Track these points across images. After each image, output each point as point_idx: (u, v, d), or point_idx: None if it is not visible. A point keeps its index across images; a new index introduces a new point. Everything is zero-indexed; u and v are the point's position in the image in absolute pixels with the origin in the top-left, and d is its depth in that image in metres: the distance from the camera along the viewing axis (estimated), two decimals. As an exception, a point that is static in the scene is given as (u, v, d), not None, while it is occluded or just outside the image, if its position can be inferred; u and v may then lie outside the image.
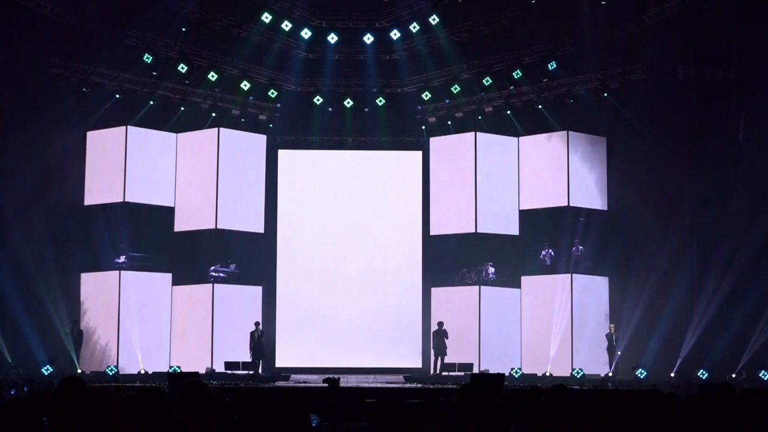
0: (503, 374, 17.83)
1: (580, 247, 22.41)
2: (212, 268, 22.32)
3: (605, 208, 22.68)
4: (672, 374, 20.25)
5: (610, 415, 4.26)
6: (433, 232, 23.31)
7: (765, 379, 19.79)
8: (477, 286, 22.42)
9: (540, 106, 23.20)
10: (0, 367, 19.62)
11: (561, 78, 22.79)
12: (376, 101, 24.05)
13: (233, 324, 21.88)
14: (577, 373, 20.89)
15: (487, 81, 23.18)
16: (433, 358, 21.59)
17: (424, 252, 23.52)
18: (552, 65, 22.59)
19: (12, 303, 20.18)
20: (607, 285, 22.46)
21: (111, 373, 19.93)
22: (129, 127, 22.03)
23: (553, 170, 22.51)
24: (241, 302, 22.25)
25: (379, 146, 24.27)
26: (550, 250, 22.67)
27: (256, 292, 22.71)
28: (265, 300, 22.81)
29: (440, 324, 21.52)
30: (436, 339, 21.35)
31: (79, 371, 20.15)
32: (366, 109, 24.08)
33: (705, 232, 21.44)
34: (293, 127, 24.27)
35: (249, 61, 23.24)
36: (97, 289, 21.79)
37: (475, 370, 20.38)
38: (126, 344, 21.18)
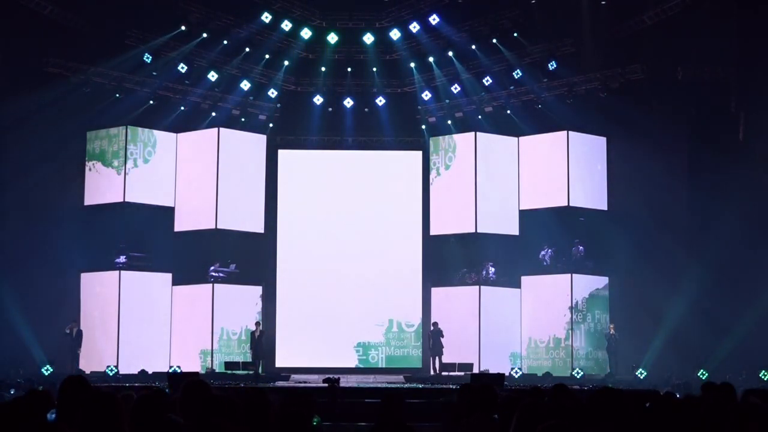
0: (503, 374, 17.82)
1: (581, 248, 22.40)
2: (212, 268, 22.31)
3: (605, 208, 22.67)
4: (672, 374, 20.25)
5: (610, 415, 4.26)
6: (433, 232, 23.30)
7: (765, 379, 19.80)
8: (477, 286, 22.41)
9: (540, 106, 23.21)
10: (0, 367, 19.62)
11: (561, 78, 22.78)
12: (376, 101, 24.05)
13: (233, 324, 21.92)
14: (577, 373, 20.89)
15: (487, 81, 23.19)
16: (430, 358, 21.62)
17: (424, 252, 23.51)
18: (552, 65, 22.59)
19: (12, 303, 20.16)
20: (607, 285, 22.46)
21: (111, 373, 19.91)
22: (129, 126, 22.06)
23: (553, 170, 22.49)
24: (241, 302, 22.25)
25: (379, 146, 24.27)
26: (550, 250, 22.68)
27: (256, 292, 22.71)
28: (265, 300, 22.81)
29: (435, 324, 21.56)
30: (432, 339, 21.37)
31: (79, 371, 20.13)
32: (366, 109, 24.09)
33: (705, 232, 21.44)
34: (293, 127, 24.27)
35: (249, 61, 23.24)
36: (96, 289, 21.79)
37: (475, 370, 20.37)
38: (126, 344, 21.17)
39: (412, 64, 23.77)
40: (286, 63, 23.64)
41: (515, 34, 22.56)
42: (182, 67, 22.40)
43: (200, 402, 4.47)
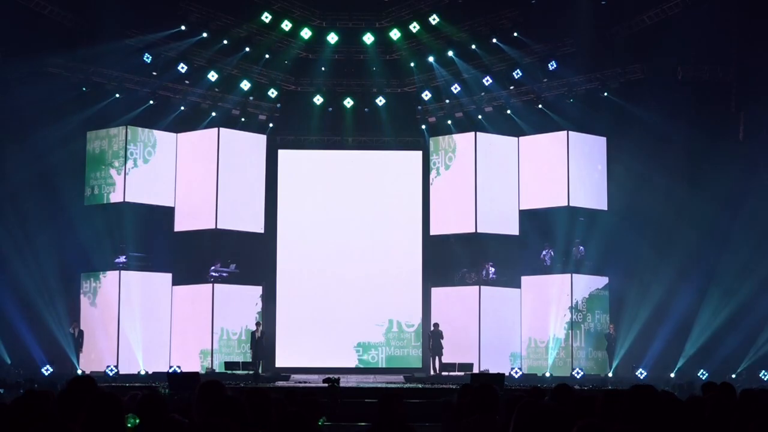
0: (503, 374, 17.82)
1: (581, 248, 22.39)
2: (212, 268, 22.32)
3: (605, 208, 22.65)
4: (672, 374, 20.26)
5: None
6: (433, 232, 23.29)
7: (765, 379, 19.81)
8: (477, 286, 22.40)
9: (540, 106, 23.21)
10: (0, 367, 19.62)
11: (561, 78, 22.79)
12: (376, 101, 24.04)
13: (233, 324, 21.92)
14: (577, 373, 20.88)
15: (487, 81, 23.19)
16: (430, 358, 21.62)
17: (424, 252, 23.50)
18: (552, 65, 22.60)
19: (12, 303, 20.16)
20: (607, 285, 22.45)
21: (111, 374, 19.91)
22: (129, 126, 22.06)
23: (553, 170, 22.48)
24: (241, 302, 22.25)
25: (380, 146, 24.26)
26: (551, 251, 22.67)
27: (256, 292, 22.71)
28: (265, 300, 22.81)
29: (435, 325, 21.57)
30: (432, 340, 21.38)
31: (80, 371, 20.13)
32: (366, 109, 24.09)
33: (705, 232, 21.45)
34: (293, 127, 24.27)
35: (249, 61, 23.24)
36: (97, 289, 21.80)
37: (475, 370, 20.37)
38: (126, 344, 21.16)
39: (412, 64, 23.77)
40: (286, 63, 23.64)
41: (515, 34, 22.56)
42: (182, 67, 22.40)
43: (213, 402, 4.47)
